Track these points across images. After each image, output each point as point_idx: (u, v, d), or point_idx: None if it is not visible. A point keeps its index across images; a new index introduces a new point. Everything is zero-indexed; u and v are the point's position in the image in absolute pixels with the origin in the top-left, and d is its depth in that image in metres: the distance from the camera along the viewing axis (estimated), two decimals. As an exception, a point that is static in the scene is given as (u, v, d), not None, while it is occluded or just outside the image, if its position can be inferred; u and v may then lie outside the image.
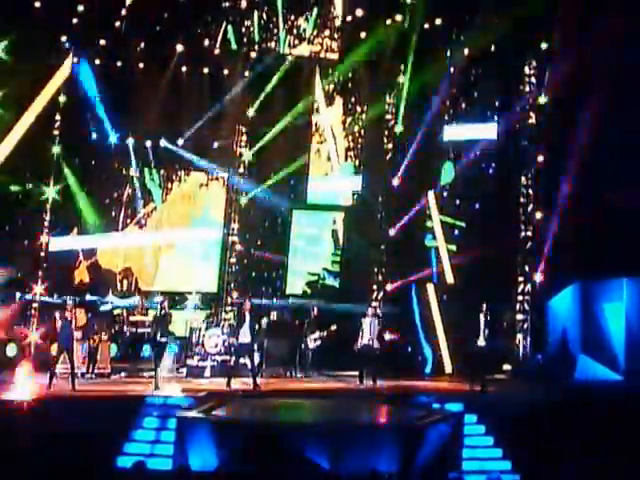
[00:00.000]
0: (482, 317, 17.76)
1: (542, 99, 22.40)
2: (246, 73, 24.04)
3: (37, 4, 21.43)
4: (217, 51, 23.56)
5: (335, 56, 24.16)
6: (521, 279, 22.46)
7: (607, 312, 18.88)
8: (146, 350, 21.52)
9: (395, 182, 23.54)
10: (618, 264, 18.39)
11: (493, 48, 22.26)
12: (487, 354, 17.80)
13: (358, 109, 24.71)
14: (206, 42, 23.60)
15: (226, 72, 23.93)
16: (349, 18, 23.63)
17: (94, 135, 23.85)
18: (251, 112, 24.47)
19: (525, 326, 22.25)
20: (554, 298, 20.55)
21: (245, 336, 17.16)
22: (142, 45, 23.08)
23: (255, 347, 17.63)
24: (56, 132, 23.25)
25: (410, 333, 22.22)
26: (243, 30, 23.92)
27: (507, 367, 20.89)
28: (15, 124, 21.96)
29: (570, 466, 12.93)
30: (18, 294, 21.86)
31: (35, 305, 21.86)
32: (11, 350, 19.88)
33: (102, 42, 22.77)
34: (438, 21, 22.67)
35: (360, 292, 23.45)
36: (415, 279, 22.81)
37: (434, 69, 22.87)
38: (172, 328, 19.95)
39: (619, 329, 18.57)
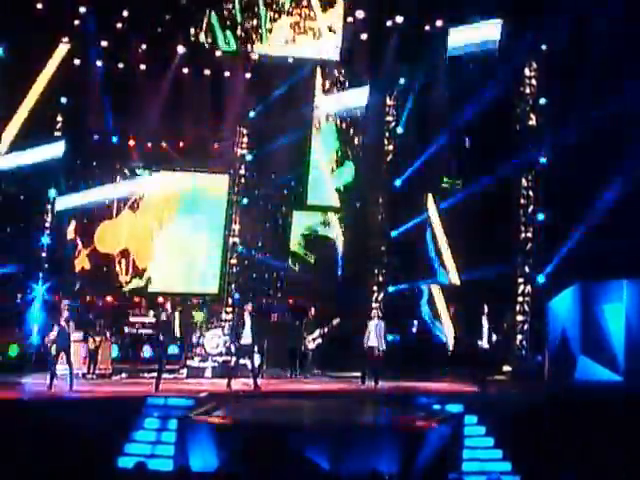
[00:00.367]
0: (484, 318, 17.83)
1: (542, 100, 22.48)
2: (247, 75, 24.06)
3: (39, 5, 21.42)
4: (218, 53, 23.55)
5: (336, 57, 24.15)
6: (521, 280, 22.51)
7: (607, 313, 18.87)
8: (147, 351, 21.61)
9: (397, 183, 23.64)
10: (618, 265, 18.41)
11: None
12: (488, 355, 17.85)
13: (358, 112, 24.73)
14: (207, 42, 23.60)
15: (227, 74, 23.93)
16: (349, 19, 23.63)
17: (95, 136, 23.86)
18: (252, 113, 24.51)
19: (525, 327, 22.30)
20: (554, 299, 20.54)
21: (246, 337, 17.20)
22: (143, 46, 23.08)
23: (256, 348, 17.66)
24: (57, 133, 23.32)
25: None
26: (244, 31, 23.93)
27: (507, 368, 20.93)
28: (15, 124, 21.97)
29: (570, 467, 12.94)
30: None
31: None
32: (12, 350, 19.95)
33: (104, 43, 22.77)
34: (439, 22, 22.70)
35: (360, 293, 23.51)
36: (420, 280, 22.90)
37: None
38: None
39: (619, 330, 18.57)
